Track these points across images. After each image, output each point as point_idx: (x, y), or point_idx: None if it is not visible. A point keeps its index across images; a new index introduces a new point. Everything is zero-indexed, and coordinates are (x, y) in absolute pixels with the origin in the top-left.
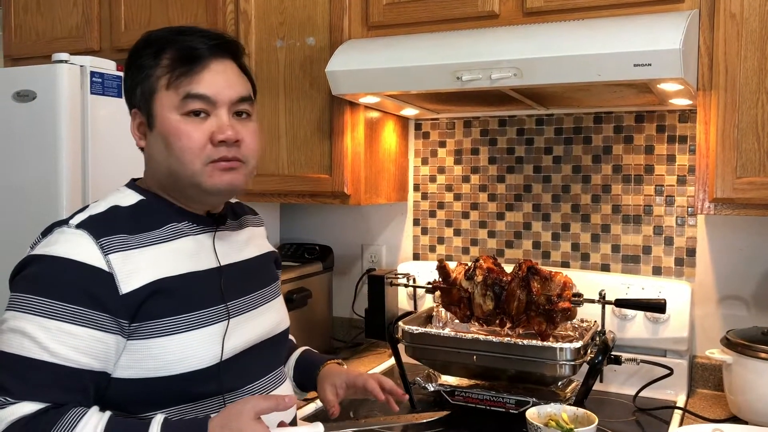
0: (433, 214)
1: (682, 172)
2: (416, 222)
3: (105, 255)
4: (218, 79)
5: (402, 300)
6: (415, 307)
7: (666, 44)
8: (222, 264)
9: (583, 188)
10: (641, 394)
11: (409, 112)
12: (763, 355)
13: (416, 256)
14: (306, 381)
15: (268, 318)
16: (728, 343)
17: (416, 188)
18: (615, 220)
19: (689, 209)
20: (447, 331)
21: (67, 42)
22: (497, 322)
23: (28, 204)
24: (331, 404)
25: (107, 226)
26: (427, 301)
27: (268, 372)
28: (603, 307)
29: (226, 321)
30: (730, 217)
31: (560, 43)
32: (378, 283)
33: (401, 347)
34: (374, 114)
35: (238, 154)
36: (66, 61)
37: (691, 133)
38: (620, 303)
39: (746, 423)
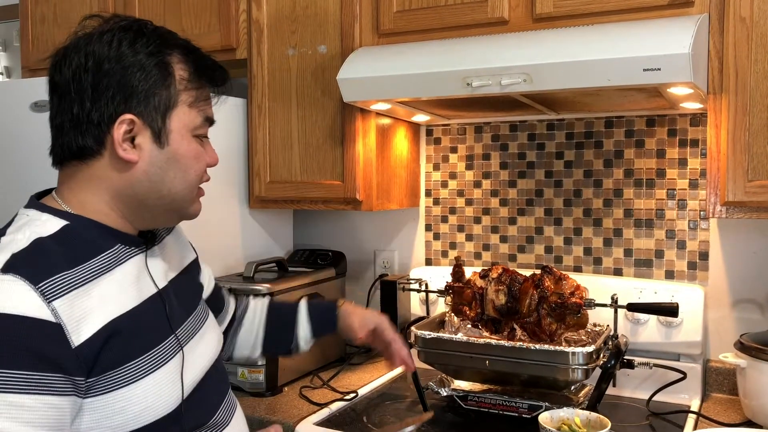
0: (444, 220)
1: (694, 176)
2: (428, 227)
3: (48, 302)
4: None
5: (414, 305)
6: (428, 312)
7: (675, 48)
8: (160, 287)
9: (595, 193)
10: (655, 398)
11: (421, 118)
12: None
13: (428, 262)
14: (324, 322)
15: (211, 336)
16: (742, 347)
17: (428, 194)
18: (627, 224)
19: (701, 213)
20: (460, 336)
21: None
22: (506, 332)
23: None
24: (361, 338)
25: (41, 265)
26: (440, 306)
27: (222, 399)
28: (615, 311)
29: (180, 353)
30: (743, 220)
31: (570, 48)
32: (390, 289)
33: (414, 352)
34: (385, 120)
35: None
36: None
37: (703, 136)
38: (633, 307)
39: (761, 427)
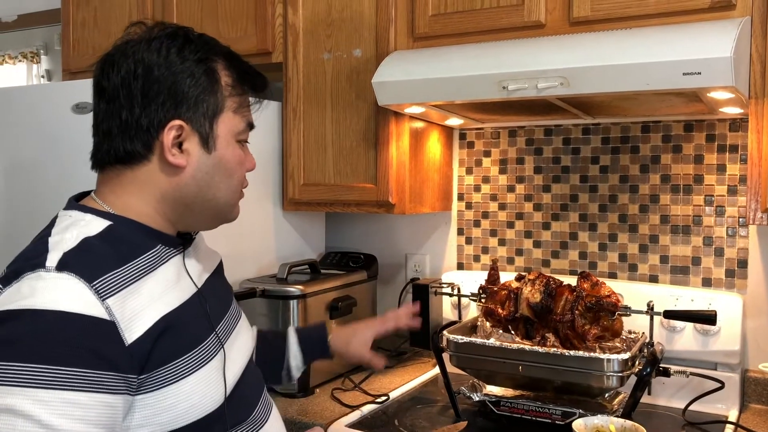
0: (477, 224)
1: (732, 182)
2: (460, 231)
3: (102, 300)
4: None
5: (446, 309)
6: (460, 317)
7: (716, 52)
8: (199, 286)
9: (631, 198)
10: (691, 407)
11: (454, 122)
12: None
13: (460, 266)
14: (315, 350)
15: (246, 335)
16: None
17: (460, 198)
18: (663, 230)
19: (740, 219)
20: (492, 341)
21: None
22: (538, 339)
23: None
24: (372, 358)
25: (93, 264)
26: (472, 311)
27: (259, 396)
28: (651, 319)
29: (222, 351)
30: None
31: (607, 52)
32: (422, 292)
33: (446, 356)
34: (419, 124)
35: None
36: None
37: (742, 142)
38: (669, 314)
39: None
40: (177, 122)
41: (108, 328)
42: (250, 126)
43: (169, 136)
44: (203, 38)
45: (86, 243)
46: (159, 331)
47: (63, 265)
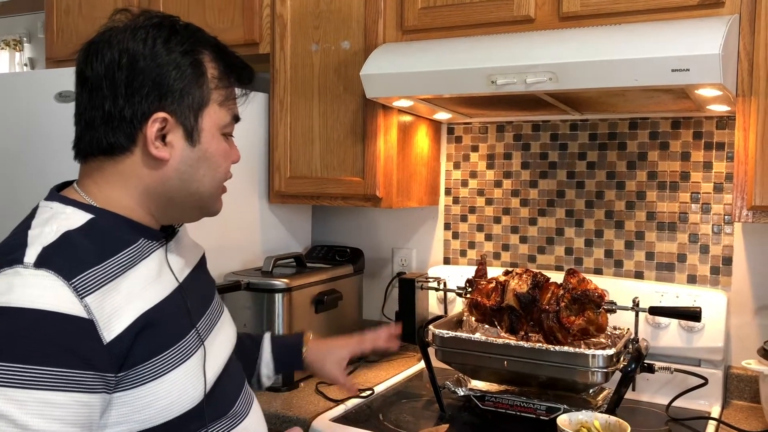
0: (464, 219)
1: (719, 180)
2: (447, 226)
3: (81, 299)
4: None
5: (432, 304)
6: (446, 312)
7: (705, 49)
8: (181, 281)
9: (618, 194)
10: (674, 403)
11: (442, 116)
12: None
13: (446, 261)
14: (288, 361)
15: (228, 328)
16: (765, 354)
17: (448, 192)
18: (650, 227)
19: (726, 217)
20: (478, 336)
21: None
22: (521, 335)
23: None
24: (345, 382)
25: (72, 260)
26: (457, 306)
27: (240, 390)
28: (636, 315)
29: (202, 347)
30: None
31: (597, 47)
32: (408, 287)
33: (431, 351)
34: (407, 118)
35: None
36: None
37: (729, 140)
38: (654, 311)
39: None
40: (161, 115)
41: (86, 327)
42: (236, 119)
43: (152, 128)
44: (190, 28)
45: (66, 238)
46: (138, 328)
47: (42, 262)
